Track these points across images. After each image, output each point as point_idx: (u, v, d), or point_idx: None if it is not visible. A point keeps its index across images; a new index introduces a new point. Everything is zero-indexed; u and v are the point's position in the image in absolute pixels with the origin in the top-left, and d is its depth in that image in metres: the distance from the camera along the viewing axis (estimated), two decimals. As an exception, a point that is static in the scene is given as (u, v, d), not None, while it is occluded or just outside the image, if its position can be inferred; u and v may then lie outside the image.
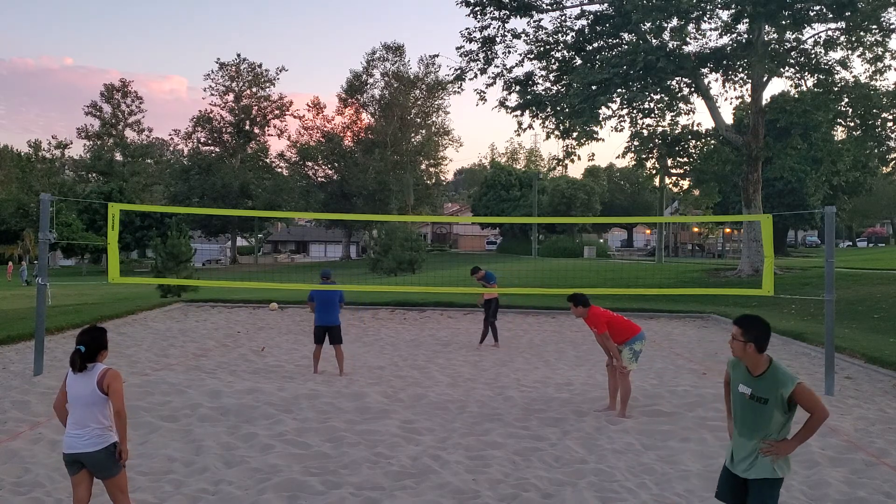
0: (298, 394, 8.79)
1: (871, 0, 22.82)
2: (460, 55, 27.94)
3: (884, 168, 33.95)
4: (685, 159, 30.19)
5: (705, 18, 25.13)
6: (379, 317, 18.37)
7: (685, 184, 36.46)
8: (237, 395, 8.67)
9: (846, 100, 25.65)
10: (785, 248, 57.35)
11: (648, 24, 23.99)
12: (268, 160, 73.70)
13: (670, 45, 24.92)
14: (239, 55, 76.28)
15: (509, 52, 30.87)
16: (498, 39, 27.61)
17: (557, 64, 27.74)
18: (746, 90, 27.29)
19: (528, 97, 27.75)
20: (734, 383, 4.17)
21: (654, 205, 66.57)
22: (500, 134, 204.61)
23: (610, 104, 26.43)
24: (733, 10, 24.26)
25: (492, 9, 26.88)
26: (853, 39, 24.56)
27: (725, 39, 26.02)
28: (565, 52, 27.46)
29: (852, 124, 26.66)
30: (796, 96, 26.72)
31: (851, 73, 25.57)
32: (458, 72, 28.39)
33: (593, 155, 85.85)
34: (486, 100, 34.86)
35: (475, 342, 13.68)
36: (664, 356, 12.61)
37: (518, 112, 27.92)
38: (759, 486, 4.02)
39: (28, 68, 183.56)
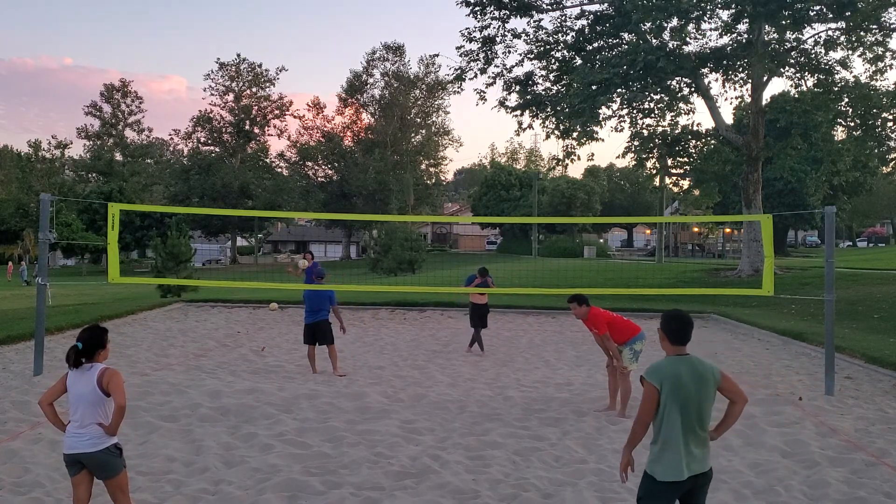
0: (298, 394, 8.79)
1: (871, 0, 22.82)
2: (460, 55, 27.98)
3: (884, 168, 33.98)
4: (685, 159, 30.19)
5: (705, 18, 25.12)
6: (379, 317, 18.37)
7: (685, 184, 36.49)
8: (237, 395, 8.67)
9: (846, 100, 25.66)
10: (785, 248, 57.34)
11: (648, 24, 23.98)
12: (268, 160, 73.66)
13: (670, 45, 24.91)
14: (239, 55, 76.26)
15: (509, 52, 30.89)
16: (498, 39, 27.62)
17: (557, 64, 27.75)
18: (746, 90, 27.32)
19: (528, 97, 27.76)
20: None
21: (654, 205, 66.62)
22: (500, 134, 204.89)
23: (610, 104, 26.44)
24: (733, 10, 24.26)
25: (492, 9, 26.88)
26: (853, 39, 24.56)
27: (725, 39, 26.06)
28: (565, 52, 27.46)
29: (852, 124, 26.67)
30: (796, 96, 26.73)
31: (851, 73, 25.62)
32: (458, 72, 28.40)
33: (593, 155, 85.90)
34: (486, 100, 34.89)
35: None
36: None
37: (518, 112, 27.93)
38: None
39: (28, 68, 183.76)
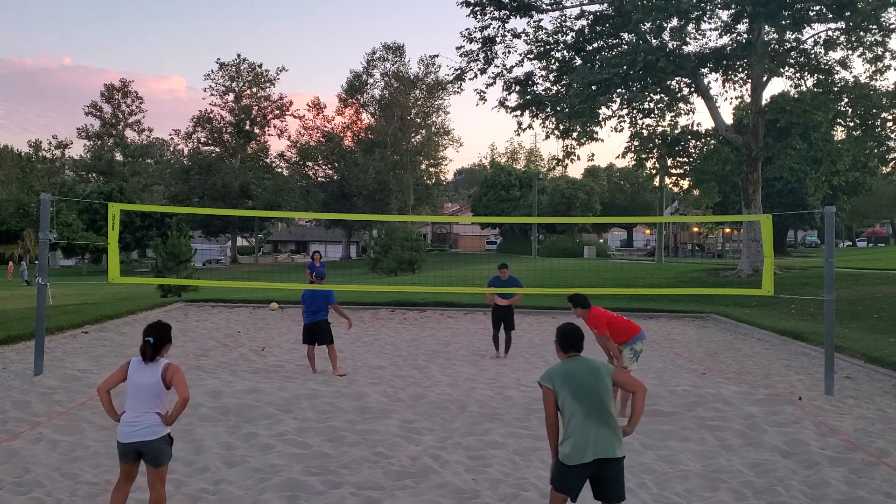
0: (298, 394, 8.79)
1: (871, 0, 22.82)
2: (460, 55, 27.96)
3: (884, 168, 33.94)
4: (685, 159, 30.20)
5: (705, 18, 25.12)
6: (379, 317, 18.38)
7: (685, 184, 36.47)
8: (237, 394, 8.67)
9: (846, 100, 25.64)
10: (785, 248, 57.32)
11: (648, 24, 23.98)
12: (268, 160, 73.69)
13: (670, 45, 24.90)
14: (239, 55, 76.22)
15: (509, 52, 30.90)
16: (498, 39, 27.60)
17: (557, 64, 27.74)
18: (746, 90, 27.31)
19: (528, 97, 27.74)
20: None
21: (654, 205, 66.57)
22: (500, 134, 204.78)
23: (610, 104, 26.44)
24: (733, 10, 24.25)
25: (492, 9, 26.87)
26: (853, 39, 24.54)
27: (725, 39, 26.03)
28: (565, 52, 27.45)
29: (852, 124, 26.65)
30: (796, 96, 26.73)
31: (851, 73, 25.60)
32: (458, 72, 28.40)
33: (593, 155, 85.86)
34: (486, 100, 34.89)
35: (476, 342, 13.60)
36: (664, 356, 12.61)
37: (518, 112, 27.91)
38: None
39: (27, 68, 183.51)
